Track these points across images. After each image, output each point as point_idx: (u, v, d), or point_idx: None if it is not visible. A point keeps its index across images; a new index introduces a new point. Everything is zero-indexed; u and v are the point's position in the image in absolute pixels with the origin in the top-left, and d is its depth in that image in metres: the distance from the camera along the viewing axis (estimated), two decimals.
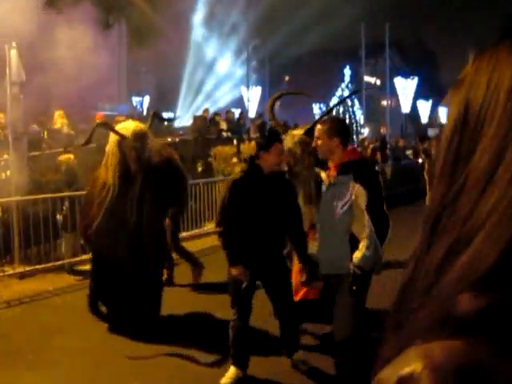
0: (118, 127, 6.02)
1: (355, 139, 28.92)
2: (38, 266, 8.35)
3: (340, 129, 4.37)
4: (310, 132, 5.95)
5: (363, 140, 21.98)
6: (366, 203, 4.02)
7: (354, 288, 4.04)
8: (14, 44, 8.92)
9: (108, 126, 6.23)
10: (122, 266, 5.78)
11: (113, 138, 5.94)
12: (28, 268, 8.28)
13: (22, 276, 8.15)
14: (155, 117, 6.75)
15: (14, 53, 8.89)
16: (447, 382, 0.50)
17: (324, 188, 4.29)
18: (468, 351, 0.52)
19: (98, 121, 6.60)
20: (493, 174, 0.59)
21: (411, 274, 0.65)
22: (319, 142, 4.29)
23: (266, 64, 32.78)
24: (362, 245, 4.05)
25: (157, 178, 5.83)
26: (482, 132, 0.61)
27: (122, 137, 5.81)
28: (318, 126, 4.36)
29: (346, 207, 4.11)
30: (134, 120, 6.73)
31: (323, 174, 4.32)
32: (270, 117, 6.11)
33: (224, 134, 17.76)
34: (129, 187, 5.75)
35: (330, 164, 4.30)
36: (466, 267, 0.58)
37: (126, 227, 5.72)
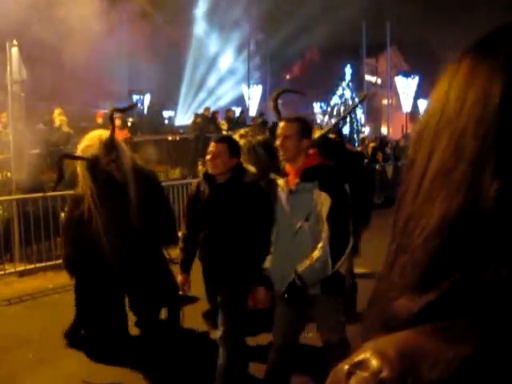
0: (81, 146, 5.28)
1: (356, 138, 28.94)
2: (38, 264, 8.35)
3: (310, 130, 3.98)
4: (325, 136, 5.86)
5: (364, 139, 21.96)
6: (328, 213, 3.64)
7: (286, 296, 3.70)
8: (14, 42, 8.92)
9: (71, 156, 5.55)
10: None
11: (79, 163, 5.33)
12: (28, 266, 8.28)
13: (23, 274, 8.16)
14: (114, 113, 5.85)
15: (14, 51, 8.89)
16: (392, 363, 0.54)
17: (282, 196, 3.85)
18: (409, 339, 0.56)
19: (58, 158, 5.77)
20: (421, 183, 0.66)
21: (379, 278, 0.69)
22: (288, 142, 3.78)
23: (267, 62, 32.79)
24: (314, 255, 3.66)
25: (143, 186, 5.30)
26: (421, 144, 0.69)
27: (92, 159, 5.17)
28: (283, 124, 3.85)
29: (312, 218, 3.70)
30: (99, 128, 6.09)
31: (280, 181, 3.89)
32: (277, 117, 5.94)
33: (224, 132, 17.76)
34: (120, 197, 5.19)
35: (289, 169, 3.85)
36: (403, 271, 0.63)
37: (128, 235, 5.21)
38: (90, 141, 5.25)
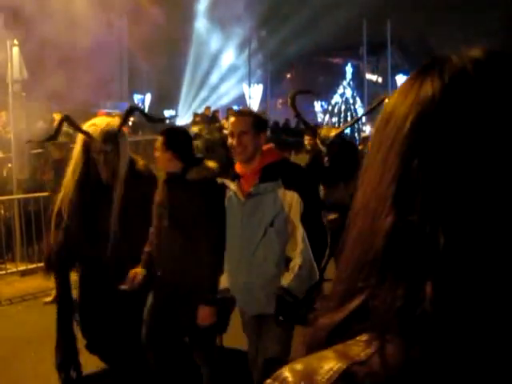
0: (87, 124, 4.53)
1: (357, 137, 28.93)
2: (39, 264, 8.34)
3: (264, 124, 3.53)
4: (341, 135, 5.90)
5: (365, 138, 21.94)
6: (301, 214, 3.19)
7: (281, 319, 3.16)
8: (15, 41, 8.92)
9: (72, 122, 4.66)
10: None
11: (80, 138, 4.55)
12: (30, 266, 8.28)
13: (24, 274, 8.16)
14: (132, 113, 5.18)
15: (15, 50, 8.89)
16: (296, 374, 0.65)
17: (237, 203, 3.36)
18: (316, 355, 0.66)
19: (61, 116, 4.84)
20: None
21: None
22: (246, 138, 3.31)
23: (268, 62, 32.78)
24: (294, 263, 3.18)
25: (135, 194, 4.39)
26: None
27: (88, 136, 4.37)
28: (235, 119, 3.41)
29: (278, 222, 3.22)
30: (111, 116, 5.30)
31: (232, 185, 3.38)
32: (294, 113, 5.82)
33: (226, 131, 17.76)
34: (102, 204, 4.42)
35: (242, 170, 3.40)
36: (332, 290, 0.73)
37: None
38: (98, 121, 4.56)
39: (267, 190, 3.24)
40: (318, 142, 5.61)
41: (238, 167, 3.42)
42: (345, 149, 5.71)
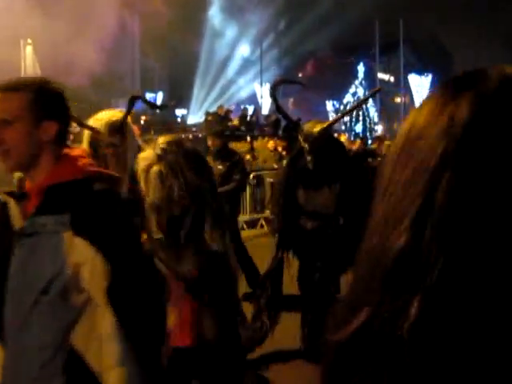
0: (91, 120, 4.20)
1: (369, 136, 28.89)
2: None
3: (60, 105, 1.95)
4: (328, 130, 5.32)
5: (379, 137, 21.90)
6: (106, 286, 1.76)
7: None
8: (29, 41, 9.00)
9: (75, 118, 4.16)
10: None
11: (86, 136, 4.21)
12: None
13: None
14: (134, 101, 4.70)
15: (29, 49, 8.97)
16: None
17: (14, 239, 1.90)
18: None
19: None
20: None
21: None
22: (11, 132, 1.82)
23: (282, 58, 32.79)
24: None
25: None
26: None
27: (93, 131, 4.09)
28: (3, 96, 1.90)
29: (56, 291, 1.77)
30: (118, 111, 5.05)
31: (14, 209, 1.93)
32: (274, 104, 5.29)
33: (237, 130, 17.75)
34: None
35: (29, 184, 1.97)
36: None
37: None
38: (101, 115, 4.28)
39: (46, 229, 1.82)
40: (300, 138, 4.90)
41: (28, 181, 2.01)
42: (331, 146, 5.03)
